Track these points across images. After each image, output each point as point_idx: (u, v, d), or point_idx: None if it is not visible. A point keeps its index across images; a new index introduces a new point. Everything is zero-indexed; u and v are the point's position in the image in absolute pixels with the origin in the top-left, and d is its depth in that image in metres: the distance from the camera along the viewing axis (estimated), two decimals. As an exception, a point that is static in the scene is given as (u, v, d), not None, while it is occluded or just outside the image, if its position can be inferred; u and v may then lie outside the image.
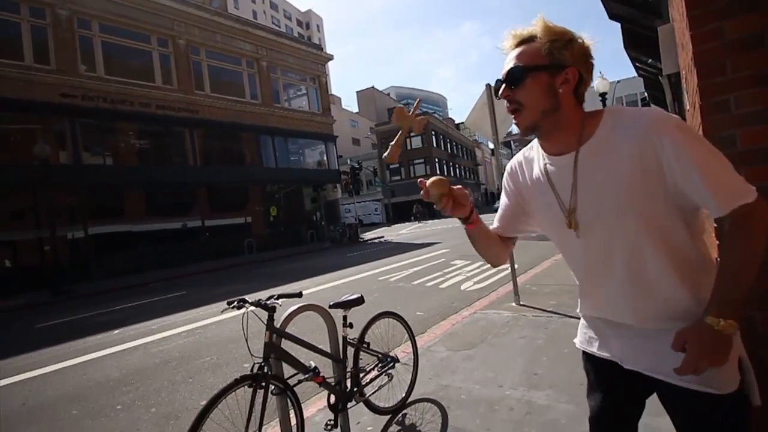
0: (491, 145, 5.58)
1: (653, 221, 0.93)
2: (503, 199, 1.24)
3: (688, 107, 3.19)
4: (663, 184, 0.90)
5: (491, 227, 1.27)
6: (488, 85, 5.00)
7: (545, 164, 1.06)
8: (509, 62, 0.97)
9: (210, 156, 19.06)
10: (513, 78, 0.95)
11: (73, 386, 4.00)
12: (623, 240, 0.97)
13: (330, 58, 26.24)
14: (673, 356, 0.90)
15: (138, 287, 11.74)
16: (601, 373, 1.16)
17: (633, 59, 8.32)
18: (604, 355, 1.12)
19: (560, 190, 1.03)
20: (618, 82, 40.93)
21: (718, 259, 0.94)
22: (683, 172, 0.87)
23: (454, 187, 1.10)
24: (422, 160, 43.85)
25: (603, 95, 11.27)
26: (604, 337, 1.12)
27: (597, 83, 11.96)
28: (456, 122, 62.77)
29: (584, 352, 1.21)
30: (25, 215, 13.46)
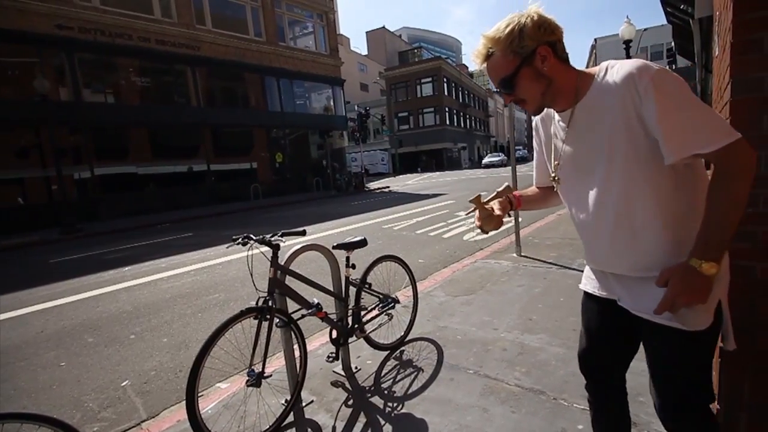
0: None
1: (639, 168, 0.98)
2: (535, 154, 1.35)
3: (716, 54, 2.99)
4: (645, 132, 0.94)
5: (534, 184, 1.42)
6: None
7: (557, 119, 1.16)
8: (493, 79, 1.09)
9: (214, 97, 18.56)
10: (506, 88, 1.07)
11: (87, 317, 4.22)
12: (611, 188, 1.03)
13: (338, -7, 24.54)
14: (653, 296, 0.99)
15: (146, 228, 12.00)
16: (597, 310, 1.25)
17: (665, 3, 7.74)
18: (603, 294, 1.21)
19: (559, 145, 1.16)
20: (645, 30, 38.20)
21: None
22: (650, 119, 0.92)
23: (495, 206, 1.28)
24: (432, 109, 42.43)
25: (627, 43, 10.55)
26: (605, 280, 1.19)
27: (622, 29, 11.16)
28: (470, 69, 59.98)
29: (585, 292, 1.30)
30: (30, 153, 13.47)
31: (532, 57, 1.01)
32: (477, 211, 1.26)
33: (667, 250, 1.01)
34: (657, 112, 0.89)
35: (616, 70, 0.98)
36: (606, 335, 1.26)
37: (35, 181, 13.54)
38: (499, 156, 36.92)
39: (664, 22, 9.68)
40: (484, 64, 1.07)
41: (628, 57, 10.72)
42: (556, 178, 1.18)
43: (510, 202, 1.32)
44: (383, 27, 57.27)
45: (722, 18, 1.76)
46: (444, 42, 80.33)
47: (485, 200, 1.28)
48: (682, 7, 7.14)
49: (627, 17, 10.98)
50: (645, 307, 1.05)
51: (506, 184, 1.36)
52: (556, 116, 1.15)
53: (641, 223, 1.01)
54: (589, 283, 1.27)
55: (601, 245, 1.11)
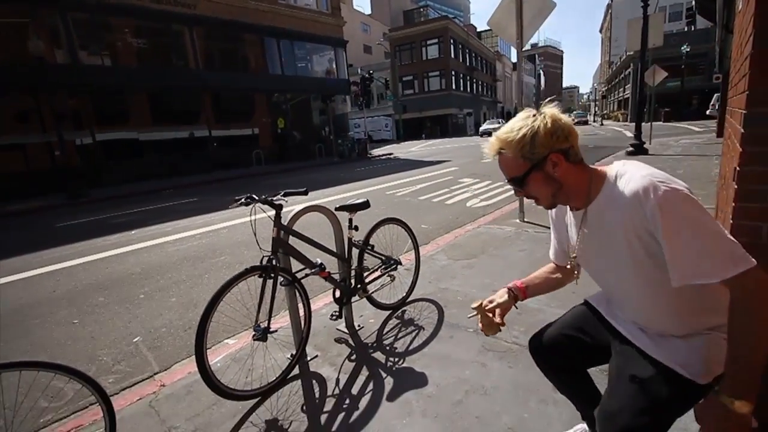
0: (514, 58, 5.13)
1: (655, 274, 0.98)
2: (552, 232, 1.36)
3: (740, 8, 2.83)
4: (658, 244, 0.93)
5: (551, 259, 1.40)
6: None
7: (570, 214, 1.19)
8: (503, 173, 1.10)
9: (213, 59, 18.04)
10: (517, 185, 1.09)
11: (97, 278, 4.32)
12: (630, 287, 1.07)
13: (340, -54, 23.22)
14: (664, 343, 1.04)
15: (150, 193, 12.05)
16: (585, 320, 1.29)
17: None
18: (605, 314, 1.24)
19: (573, 237, 1.19)
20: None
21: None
22: (660, 240, 0.91)
23: (495, 308, 1.30)
24: (438, 73, 41.12)
25: (645, 1, 10.02)
26: (614, 315, 1.22)
27: (640, -15, 10.55)
28: (478, 30, 57.55)
29: (587, 301, 1.34)
30: (30, 118, 13.32)
31: (543, 162, 1.02)
32: (480, 317, 1.27)
33: (697, 330, 1.03)
34: (663, 236, 0.89)
35: (624, 182, 0.97)
36: (582, 337, 1.27)
37: (37, 146, 13.46)
38: (498, 123, 34.68)
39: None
40: (500, 157, 1.09)
41: (645, 17, 10.17)
42: (576, 264, 1.22)
43: (515, 297, 1.32)
44: (388, -16, 54.54)
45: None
46: (451, 0, 76.69)
47: (487, 307, 1.29)
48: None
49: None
50: (644, 341, 1.08)
51: (505, 292, 1.34)
52: (570, 214, 1.19)
53: (664, 314, 1.05)
54: (601, 306, 1.27)
55: (625, 312, 1.17)
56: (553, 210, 1.27)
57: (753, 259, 0.84)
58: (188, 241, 5.55)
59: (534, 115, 1.03)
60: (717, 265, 0.85)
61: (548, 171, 1.03)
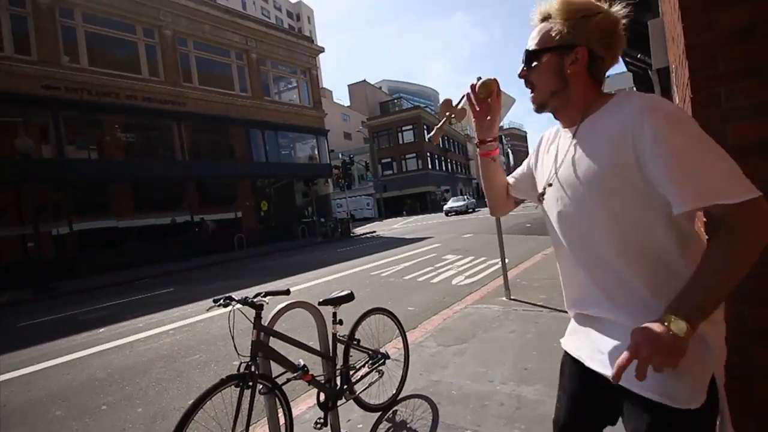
0: (482, 140, 5.53)
1: (621, 219, 0.88)
2: (526, 160, 1.28)
3: (678, 102, 3.19)
4: (639, 179, 0.84)
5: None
6: (479, 79, 4.94)
7: (560, 135, 1.07)
8: (529, 42, 0.99)
9: (198, 150, 18.75)
10: (527, 59, 0.99)
11: (56, 386, 3.92)
12: (591, 230, 0.93)
13: (321, 50, 25.92)
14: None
15: (125, 284, 11.55)
16: (578, 374, 1.10)
17: (622, 54, 8.37)
18: (586, 360, 1.05)
19: (552, 164, 1.05)
20: (607, 77, 41.10)
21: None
22: (655, 162, 0.80)
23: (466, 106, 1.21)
24: (414, 155, 43.74)
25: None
26: (581, 337, 1.07)
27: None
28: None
29: (566, 352, 1.17)
30: (8, 211, 13.14)
31: (567, 50, 0.92)
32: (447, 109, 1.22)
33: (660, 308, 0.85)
34: (669, 151, 0.78)
35: (630, 99, 0.88)
36: (588, 402, 1.10)
37: (10, 239, 13.08)
38: (464, 199, 30.69)
39: (624, 69, 10.38)
40: (537, 26, 0.98)
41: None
42: (543, 196, 1.06)
43: (490, 126, 1.23)
44: (364, 80, 60.18)
45: (679, 73, 1.90)
46: (422, 92, 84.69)
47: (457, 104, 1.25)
48: (639, 56, 7.72)
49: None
50: (627, 374, 0.86)
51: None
52: (562, 135, 1.06)
53: (627, 279, 0.90)
54: (570, 342, 1.13)
55: (582, 284, 1.01)
56: (545, 139, 1.15)
57: (759, 191, 0.76)
58: (161, 338, 5.20)
59: (610, 2, 0.91)
60: (734, 185, 0.75)
61: (564, 64, 0.92)
